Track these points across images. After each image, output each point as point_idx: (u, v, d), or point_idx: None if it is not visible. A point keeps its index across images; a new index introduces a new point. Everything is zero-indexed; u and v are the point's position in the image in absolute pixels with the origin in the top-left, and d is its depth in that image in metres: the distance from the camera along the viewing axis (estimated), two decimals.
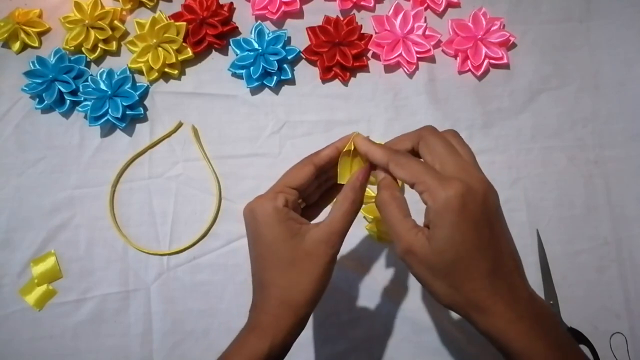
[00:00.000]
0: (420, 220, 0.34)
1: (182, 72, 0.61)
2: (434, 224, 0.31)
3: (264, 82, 0.59)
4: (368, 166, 0.37)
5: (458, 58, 0.60)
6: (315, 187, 0.40)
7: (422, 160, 0.35)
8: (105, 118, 0.58)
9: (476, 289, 0.31)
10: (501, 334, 0.31)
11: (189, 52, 0.59)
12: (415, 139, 0.35)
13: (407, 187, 0.36)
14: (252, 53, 0.58)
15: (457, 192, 0.30)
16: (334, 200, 0.39)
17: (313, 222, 0.38)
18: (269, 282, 0.36)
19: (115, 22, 0.60)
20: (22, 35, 0.60)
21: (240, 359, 0.35)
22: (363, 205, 0.56)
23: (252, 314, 0.38)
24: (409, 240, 0.32)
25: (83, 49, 0.60)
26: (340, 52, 0.59)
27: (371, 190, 0.56)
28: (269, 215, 0.35)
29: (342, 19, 0.60)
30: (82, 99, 0.58)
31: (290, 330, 0.36)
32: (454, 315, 0.55)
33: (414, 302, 0.55)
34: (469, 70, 0.60)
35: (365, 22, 0.61)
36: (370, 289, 0.56)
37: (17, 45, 0.61)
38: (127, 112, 0.58)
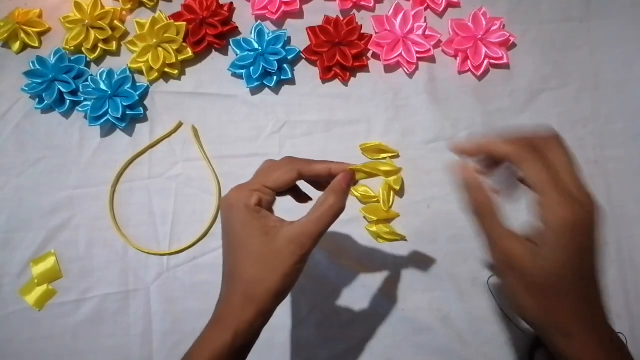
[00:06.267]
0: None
1: (182, 72, 0.61)
2: (546, 241, 0.30)
3: (264, 82, 0.59)
4: (351, 171, 0.37)
5: (458, 58, 0.60)
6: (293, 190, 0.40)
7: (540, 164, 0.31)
8: (105, 118, 0.58)
9: (566, 313, 0.31)
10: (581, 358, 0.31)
11: (189, 52, 0.59)
12: (527, 143, 0.32)
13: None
14: (252, 53, 0.58)
15: (579, 216, 0.29)
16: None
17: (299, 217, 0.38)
18: (236, 274, 0.37)
19: (115, 22, 0.60)
20: (22, 35, 0.60)
21: (204, 353, 0.35)
22: (363, 206, 0.56)
23: (217, 307, 0.38)
24: (512, 252, 0.31)
25: (83, 49, 0.60)
26: (340, 52, 0.59)
27: (371, 191, 0.56)
28: (242, 212, 0.36)
29: (342, 19, 0.60)
30: (82, 99, 0.58)
31: (252, 323, 0.35)
32: (454, 315, 0.55)
33: (414, 302, 0.55)
34: (469, 70, 0.60)
35: (365, 22, 0.61)
36: (370, 289, 0.56)
37: (17, 45, 0.61)
38: (127, 112, 0.58)
